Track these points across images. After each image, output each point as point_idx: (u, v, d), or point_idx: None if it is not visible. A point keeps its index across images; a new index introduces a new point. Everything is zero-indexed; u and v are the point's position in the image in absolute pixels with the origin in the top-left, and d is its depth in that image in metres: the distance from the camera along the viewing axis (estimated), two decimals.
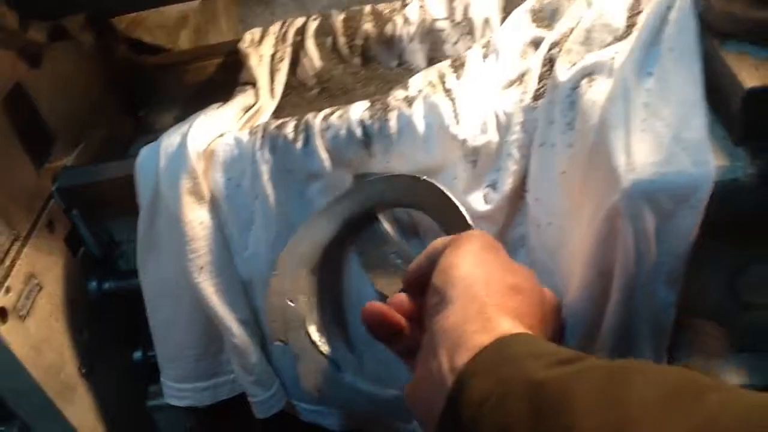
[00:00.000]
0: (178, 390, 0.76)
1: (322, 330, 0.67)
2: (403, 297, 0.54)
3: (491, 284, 0.46)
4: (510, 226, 0.68)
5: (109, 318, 0.83)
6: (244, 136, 0.70)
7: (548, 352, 0.39)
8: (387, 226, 0.69)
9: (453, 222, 0.63)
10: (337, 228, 0.68)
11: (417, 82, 0.73)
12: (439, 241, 0.52)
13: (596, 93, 0.59)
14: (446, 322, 0.44)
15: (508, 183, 0.65)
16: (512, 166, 0.65)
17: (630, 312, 0.55)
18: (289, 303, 0.67)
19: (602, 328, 0.57)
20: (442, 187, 0.64)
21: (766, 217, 0.56)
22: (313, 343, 0.66)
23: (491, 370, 0.39)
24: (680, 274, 0.53)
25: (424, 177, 0.65)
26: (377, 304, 0.53)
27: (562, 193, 0.62)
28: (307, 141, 0.68)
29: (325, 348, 0.67)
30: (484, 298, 0.45)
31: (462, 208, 0.63)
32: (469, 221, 0.62)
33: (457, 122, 0.66)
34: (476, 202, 0.66)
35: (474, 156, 0.66)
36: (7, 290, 0.66)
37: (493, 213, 0.66)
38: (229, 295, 0.71)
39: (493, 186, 0.66)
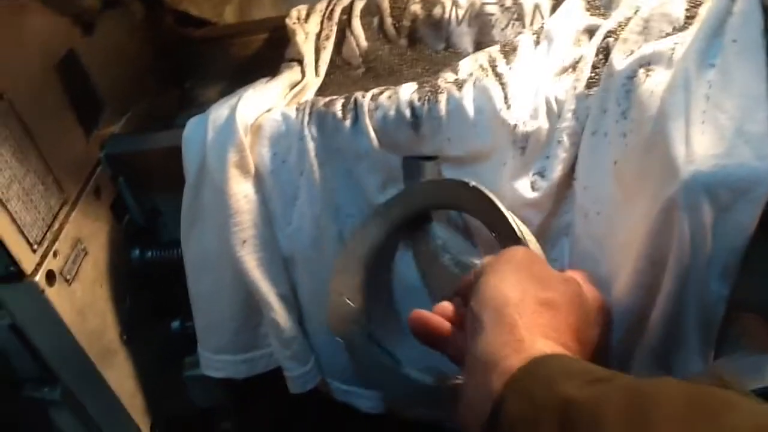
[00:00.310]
0: (216, 361, 0.77)
1: (377, 325, 0.69)
2: (446, 305, 0.57)
3: (523, 303, 0.48)
4: (556, 215, 0.67)
5: (150, 287, 0.84)
6: (292, 112, 0.71)
7: (581, 371, 0.41)
8: (440, 227, 0.69)
9: (501, 228, 0.63)
10: (392, 229, 0.69)
11: (467, 66, 0.72)
12: (486, 260, 0.55)
13: (654, 83, 0.59)
14: (481, 348, 0.46)
15: (557, 170, 0.65)
16: (562, 154, 0.65)
17: (680, 304, 0.55)
18: (347, 301, 0.68)
19: (650, 320, 0.57)
20: (490, 195, 0.64)
21: None
22: (370, 337, 0.68)
23: (524, 393, 0.41)
24: (735, 269, 0.52)
25: (474, 183, 0.65)
26: (422, 313, 0.56)
27: (613, 183, 0.62)
28: (356, 120, 0.68)
29: (379, 342, 0.68)
30: (516, 320, 0.46)
31: (509, 216, 0.62)
32: (517, 230, 0.62)
33: (508, 107, 0.65)
34: (524, 188, 0.66)
35: (523, 142, 0.65)
36: (55, 254, 0.67)
37: (541, 200, 0.66)
38: (270, 270, 0.72)
39: (542, 173, 0.66)
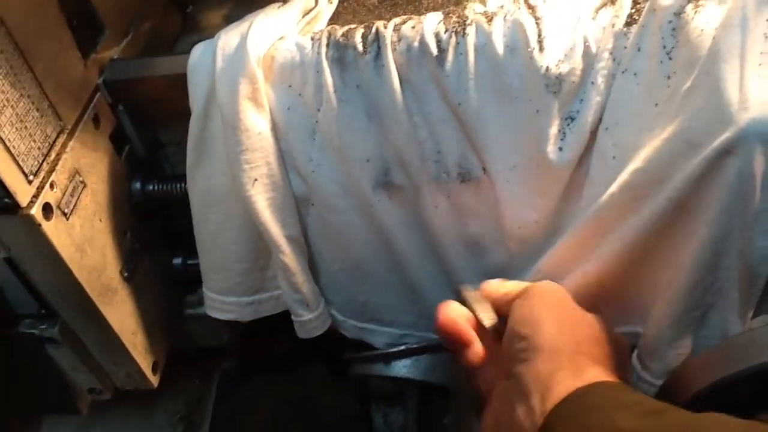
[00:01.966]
0: (221, 303, 0.74)
1: None
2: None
3: (576, 334, 0.49)
4: (582, 164, 0.64)
5: (151, 222, 0.80)
6: (306, 42, 0.66)
7: (634, 402, 0.41)
8: None
9: None
10: None
11: None
12: (512, 286, 0.57)
13: (704, 20, 0.54)
14: (537, 369, 0.47)
15: (588, 115, 0.61)
16: (596, 97, 0.61)
17: (717, 255, 0.52)
18: None
19: (680, 265, 0.54)
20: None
21: None
22: None
23: (578, 415, 0.42)
24: None
25: None
26: (453, 317, 0.57)
27: (643, 127, 0.58)
28: (378, 54, 0.63)
29: None
30: (574, 347, 0.48)
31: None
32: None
33: (541, 48, 0.60)
34: (553, 141, 0.62)
35: (556, 86, 0.61)
36: (52, 185, 0.63)
37: (567, 163, 0.62)
38: (281, 211, 0.68)
39: (572, 117, 0.62)
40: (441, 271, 0.74)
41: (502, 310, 0.56)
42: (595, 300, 0.62)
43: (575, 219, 0.65)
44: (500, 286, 0.58)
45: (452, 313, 0.57)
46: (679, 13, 0.56)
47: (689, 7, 0.56)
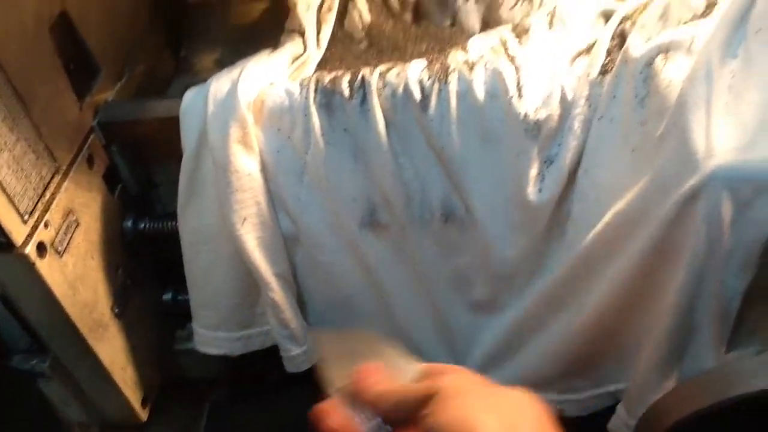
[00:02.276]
0: (211, 338, 0.75)
1: None
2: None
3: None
4: (563, 202, 0.66)
5: (142, 259, 0.81)
6: (295, 88, 0.68)
7: None
8: None
9: None
10: None
11: (477, 46, 0.70)
12: (437, 379, 0.43)
13: (673, 71, 0.57)
14: None
15: (566, 159, 0.63)
16: (572, 142, 0.63)
17: (694, 297, 0.54)
18: None
19: (661, 310, 0.56)
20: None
21: None
22: None
23: None
24: (753, 264, 0.52)
25: None
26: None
27: (621, 170, 0.61)
28: (364, 99, 0.66)
29: None
30: None
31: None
32: None
33: (520, 95, 0.63)
34: (532, 182, 0.65)
35: (535, 131, 0.64)
36: (47, 225, 0.65)
37: (547, 203, 0.65)
38: (270, 250, 0.70)
39: (551, 161, 0.64)
40: (427, 308, 0.76)
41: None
42: (584, 358, 0.64)
43: (559, 257, 0.68)
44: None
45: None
46: (649, 64, 0.59)
47: (659, 59, 0.59)
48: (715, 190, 0.50)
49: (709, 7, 0.61)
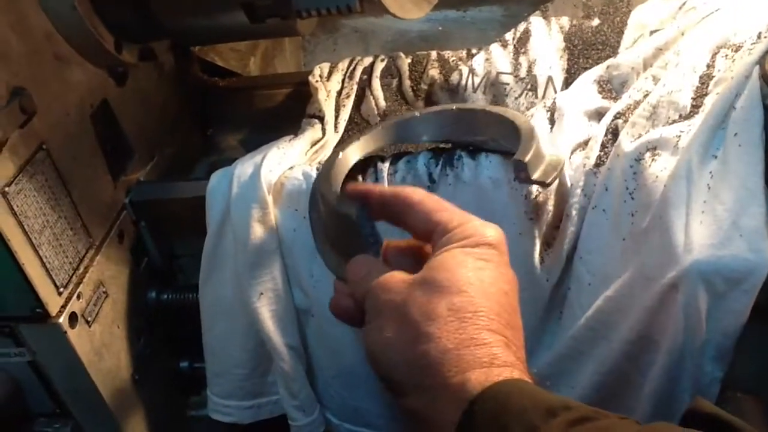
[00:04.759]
0: (223, 406, 0.79)
1: None
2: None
3: (490, 298, 0.46)
4: (561, 285, 0.70)
5: (163, 328, 0.86)
6: (312, 171, 0.74)
7: (559, 407, 0.40)
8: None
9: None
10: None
11: None
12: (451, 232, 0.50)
13: (659, 168, 0.62)
14: (449, 340, 0.44)
15: (564, 243, 0.68)
16: (570, 227, 0.68)
17: (674, 381, 0.58)
18: None
19: (643, 393, 0.60)
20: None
21: None
22: None
23: (494, 420, 0.40)
24: (729, 352, 0.55)
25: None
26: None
27: (612, 257, 0.65)
28: (375, 183, 0.71)
29: None
30: (482, 328, 0.44)
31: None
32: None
33: (520, 183, 0.68)
34: (533, 259, 0.69)
35: (533, 213, 0.68)
36: (79, 296, 0.70)
37: (548, 271, 0.69)
38: (283, 322, 0.74)
39: (549, 244, 0.69)
40: None
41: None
42: None
43: (555, 337, 0.71)
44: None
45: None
46: (639, 160, 0.64)
47: (647, 155, 0.64)
48: (692, 282, 0.54)
49: (695, 108, 0.66)
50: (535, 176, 0.63)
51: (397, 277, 0.49)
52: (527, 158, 0.62)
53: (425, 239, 0.53)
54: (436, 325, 0.45)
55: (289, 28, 0.73)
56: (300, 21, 0.71)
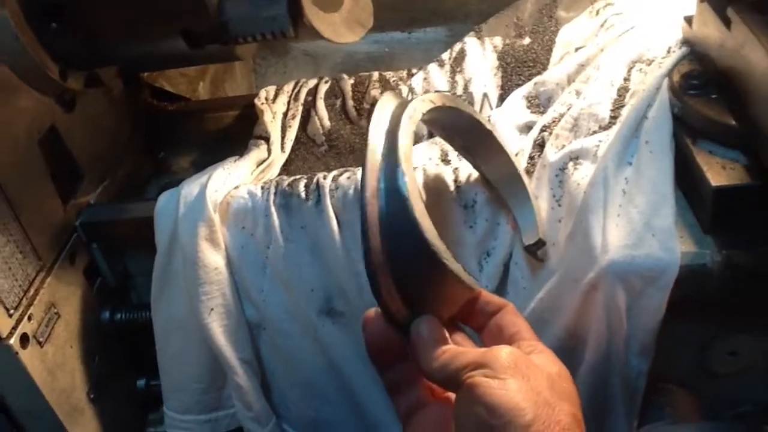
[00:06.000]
0: (180, 421, 0.81)
1: None
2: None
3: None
4: (501, 291, 0.74)
5: (118, 347, 0.87)
6: (257, 190, 0.77)
7: None
8: None
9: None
10: None
11: (419, 154, 0.80)
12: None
13: (581, 176, 0.67)
14: None
15: (501, 252, 0.71)
16: (506, 236, 0.72)
17: (603, 376, 0.62)
18: None
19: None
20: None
21: (729, 300, 0.63)
22: None
23: None
24: (651, 347, 0.59)
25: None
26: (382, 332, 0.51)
27: (544, 262, 0.69)
28: (319, 200, 0.74)
29: None
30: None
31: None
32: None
33: (459, 191, 0.72)
34: (473, 270, 0.73)
35: (472, 221, 0.72)
36: (30, 318, 0.72)
37: (487, 281, 0.72)
38: (235, 336, 0.77)
39: (489, 253, 0.73)
40: (383, 390, 0.82)
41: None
42: None
43: None
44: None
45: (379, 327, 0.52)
46: (563, 169, 0.69)
47: (570, 165, 0.68)
48: (610, 281, 0.58)
49: (613, 119, 0.71)
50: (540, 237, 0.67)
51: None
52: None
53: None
54: None
55: (229, 53, 0.75)
56: (239, 46, 0.74)
